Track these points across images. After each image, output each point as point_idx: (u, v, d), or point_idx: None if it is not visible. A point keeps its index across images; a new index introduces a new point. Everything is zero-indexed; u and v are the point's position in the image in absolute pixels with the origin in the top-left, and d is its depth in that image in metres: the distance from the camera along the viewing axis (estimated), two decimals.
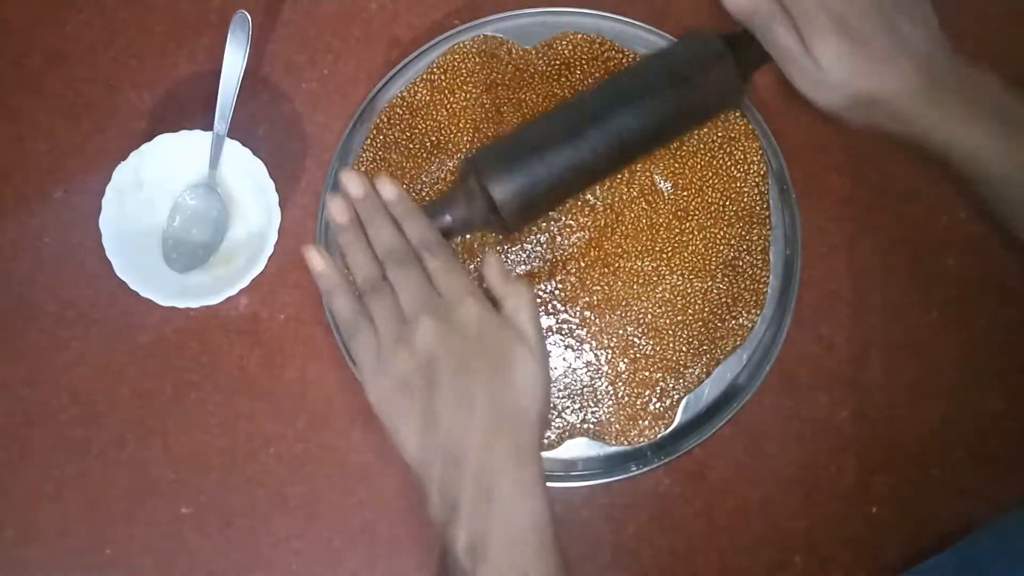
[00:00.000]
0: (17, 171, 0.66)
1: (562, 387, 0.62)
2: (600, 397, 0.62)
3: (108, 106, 0.67)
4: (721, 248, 0.63)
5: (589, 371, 0.62)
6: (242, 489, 0.62)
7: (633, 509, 0.62)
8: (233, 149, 0.62)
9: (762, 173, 0.64)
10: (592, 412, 0.62)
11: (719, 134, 0.65)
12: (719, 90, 0.56)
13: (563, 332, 0.62)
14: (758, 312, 0.63)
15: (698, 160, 0.64)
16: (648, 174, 0.64)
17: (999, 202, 0.53)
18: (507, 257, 0.63)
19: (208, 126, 0.62)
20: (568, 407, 0.62)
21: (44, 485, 0.62)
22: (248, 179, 0.63)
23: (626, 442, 0.62)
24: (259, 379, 0.63)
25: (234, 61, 0.63)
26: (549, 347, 0.62)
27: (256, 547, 0.62)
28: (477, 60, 0.65)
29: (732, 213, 0.64)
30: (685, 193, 0.64)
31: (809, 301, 0.64)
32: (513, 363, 0.48)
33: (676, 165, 0.64)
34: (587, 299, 0.63)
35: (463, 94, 0.65)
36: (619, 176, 0.64)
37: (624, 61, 0.66)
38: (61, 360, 0.64)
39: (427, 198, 0.64)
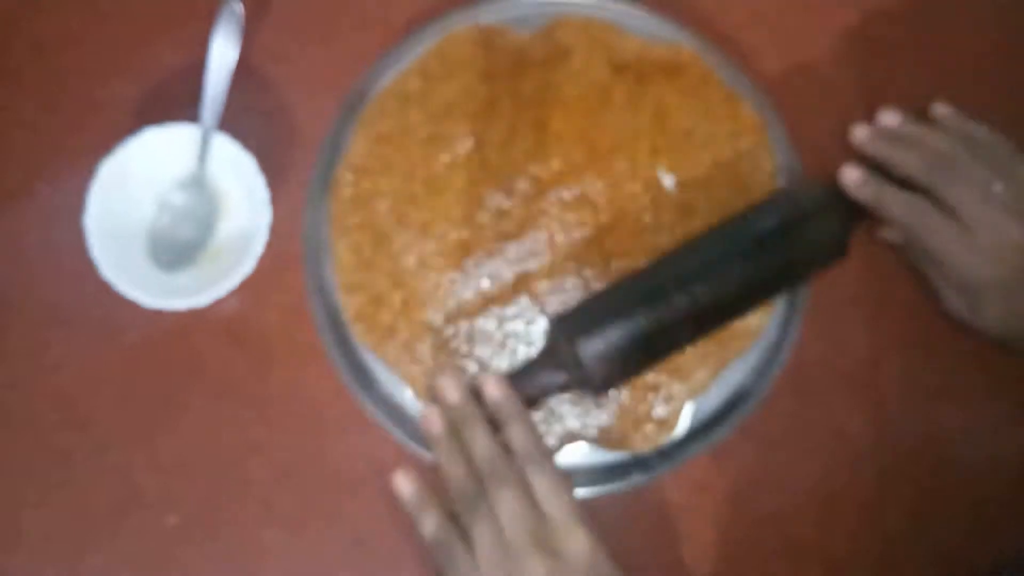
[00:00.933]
0: None
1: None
2: (602, 401, 0.60)
3: (92, 98, 0.65)
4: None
5: None
6: (231, 497, 0.60)
7: (639, 520, 0.61)
8: (222, 143, 0.61)
9: (771, 169, 0.63)
10: (594, 417, 0.60)
11: (727, 127, 0.63)
12: (819, 247, 0.56)
13: None
14: (767, 314, 0.61)
15: (705, 154, 0.63)
16: (651, 169, 0.62)
17: None
18: (507, 255, 0.61)
19: (194, 118, 0.61)
20: (569, 412, 0.60)
21: (26, 492, 0.61)
22: (238, 174, 0.61)
23: (630, 448, 0.60)
24: (248, 383, 0.62)
25: (223, 51, 0.61)
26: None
27: (245, 558, 0.60)
28: (472, 48, 0.64)
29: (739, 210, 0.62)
30: (690, 189, 0.62)
31: (822, 303, 0.62)
32: None
33: (681, 160, 0.62)
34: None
35: (457, 84, 0.63)
36: (621, 172, 0.62)
37: (626, 47, 0.64)
38: (43, 363, 0.62)
39: (419, 194, 0.62)
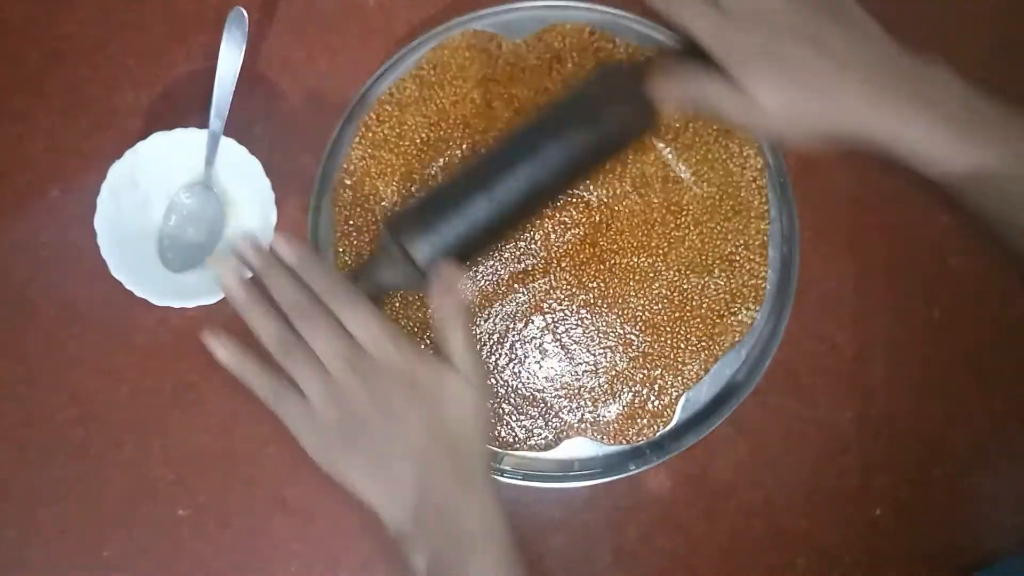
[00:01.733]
0: (15, 170, 0.66)
1: (559, 386, 0.62)
2: (597, 396, 0.61)
3: (106, 105, 0.67)
4: (718, 243, 0.63)
5: (586, 369, 0.62)
6: (241, 490, 0.62)
7: (634, 511, 0.62)
8: (229, 147, 0.62)
9: (759, 167, 0.64)
10: (589, 411, 0.61)
11: (715, 127, 0.64)
12: (630, 118, 0.55)
13: (559, 330, 0.62)
14: (757, 308, 0.62)
15: (693, 154, 0.64)
16: (641, 168, 0.63)
17: (963, 200, 0.51)
18: (501, 255, 0.63)
19: (204, 124, 0.62)
20: (565, 406, 0.61)
21: (43, 486, 0.62)
22: (244, 178, 0.62)
23: (624, 441, 0.61)
24: None
25: (230, 58, 0.63)
26: (545, 346, 0.62)
27: (255, 548, 0.62)
28: (467, 55, 0.65)
29: (729, 208, 0.63)
30: (680, 186, 0.63)
31: (811, 301, 0.64)
32: (445, 396, 0.49)
33: (670, 157, 0.64)
34: (583, 297, 0.62)
35: (453, 90, 0.65)
36: (613, 171, 0.63)
37: (615, 51, 0.65)
38: (59, 360, 0.64)
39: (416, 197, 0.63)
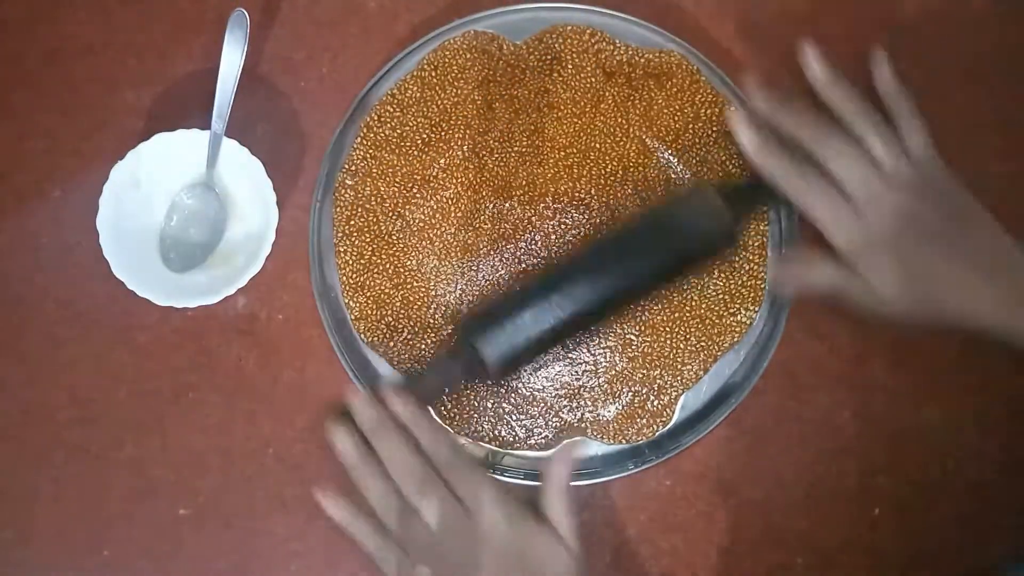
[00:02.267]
0: (15, 170, 0.66)
1: (559, 386, 0.62)
2: (597, 395, 0.62)
3: (106, 105, 0.67)
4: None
5: (586, 370, 0.62)
6: (240, 490, 0.62)
7: (634, 510, 0.62)
8: (231, 148, 0.62)
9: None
10: (589, 411, 0.62)
11: (714, 127, 0.64)
12: (710, 240, 0.58)
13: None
14: (755, 308, 0.63)
15: (693, 156, 0.64)
16: (641, 170, 0.64)
17: None
18: (504, 256, 0.63)
19: (206, 125, 0.62)
20: (565, 406, 0.62)
21: (42, 485, 0.62)
22: (246, 178, 0.63)
23: (624, 440, 0.62)
24: (257, 379, 0.63)
25: (232, 59, 0.63)
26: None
27: (255, 548, 0.62)
28: (468, 56, 0.65)
29: None
30: (680, 189, 0.63)
31: (811, 301, 0.63)
32: (546, 563, 0.50)
33: (670, 159, 0.64)
34: None
35: (454, 91, 0.65)
36: (613, 173, 0.64)
37: (616, 52, 0.65)
38: (59, 360, 0.64)
39: (418, 198, 0.64)
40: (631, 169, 0.64)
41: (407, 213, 0.64)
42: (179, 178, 0.64)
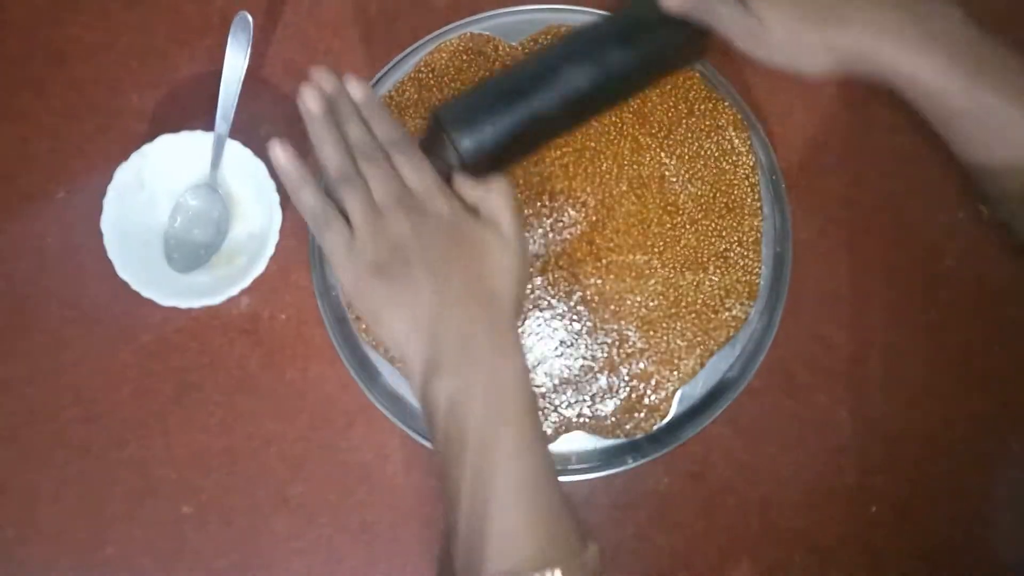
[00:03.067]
0: (20, 172, 0.67)
1: (557, 381, 0.62)
2: (595, 391, 0.62)
3: (110, 107, 0.67)
4: (712, 240, 0.63)
5: (584, 365, 0.62)
6: (243, 488, 0.62)
7: (632, 508, 0.62)
8: (234, 149, 0.63)
9: (751, 164, 0.65)
10: (587, 406, 0.62)
11: (707, 123, 0.65)
12: (681, 39, 0.55)
13: (556, 327, 0.63)
14: (751, 303, 0.63)
15: (686, 150, 0.65)
16: (636, 167, 0.64)
17: (962, 141, 0.51)
18: None
19: (210, 127, 0.63)
20: (564, 401, 0.62)
21: (45, 484, 0.63)
22: (249, 179, 0.63)
23: (622, 435, 0.62)
24: (260, 379, 0.64)
25: (235, 62, 0.63)
26: (543, 342, 0.63)
27: (257, 546, 0.62)
28: (464, 58, 0.66)
29: (722, 205, 0.64)
30: (673, 186, 0.64)
31: (808, 300, 0.64)
32: (487, 252, 0.49)
33: (664, 157, 0.64)
34: (580, 294, 0.63)
35: (451, 92, 0.65)
36: (608, 171, 0.64)
37: None
38: (63, 360, 0.64)
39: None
40: (626, 167, 0.64)
41: None
42: (183, 179, 0.64)
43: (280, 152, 0.51)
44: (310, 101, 0.51)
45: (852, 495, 0.62)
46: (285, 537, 0.62)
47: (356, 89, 0.53)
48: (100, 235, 0.61)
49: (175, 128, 0.63)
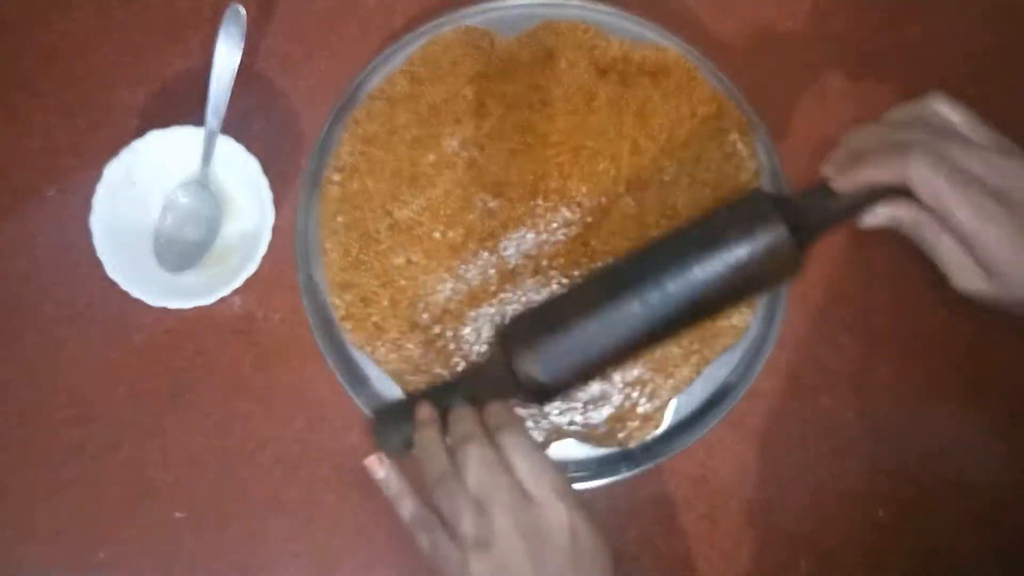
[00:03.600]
0: (10, 170, 0.66)
1: None
2: (587, 398, 0.61)
3: (102, 103, 0.67)
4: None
5: None
6: (238, 491, 0.62)
7: (635, 513, 0.62)
8: (226, 145, 0.62)
9: (755, 169, 0.63)
10: (580, 414, 0.61)
11: (710, 126, 0.63)
12: (770, 258, 0.50)
13: None
14: (750, 312, 0.62)
15: (687, 153, 0.63)
16: (634, 169, 0.63)
17: None
18: (494, 255, 0.62)
19: (201, 122, 0.62)
20: (555, 408, 0.61)
21: (39, 486, 0.62)
22: (242, 176, 0.62)
23: (615, 444, 0.61)
24: (255, 380, 0.63)
25: (227, 56, 0.62)
26: None
27: (253, 549, 0.61)
28: (459, 51, 0.64)
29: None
30: (673, 189, 0.63)
31: (815, 302, 0.63)
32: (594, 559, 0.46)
33: (664, 159, 0.63)
34: None
35: (444, 86, 0.64)
36: (605, 171, 0.63)
37: (609, 49, 0.64)
38: (57, 360, 0.63)
39: (406, 195, 0.63)
40: (623, 168, 0.63)
41: (395, 210, 0.63)
42: (174, 176, 0.63)
43: (376, 465, 0.51)
44: (421, 410, 0.51)
45: (858, 498, 0.62)
46: (281, 540, 0.61)
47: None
48: (91, 234, 0.60)
49: (166, 124, 0.62)
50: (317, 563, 0.61)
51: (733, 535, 0.61)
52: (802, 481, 0.62)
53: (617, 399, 0.61)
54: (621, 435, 0.61)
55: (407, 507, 0.49)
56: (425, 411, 0.51)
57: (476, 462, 0.47)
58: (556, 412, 0.61)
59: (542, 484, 0.46)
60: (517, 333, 0.52)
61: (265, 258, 0.60)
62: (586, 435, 0.61)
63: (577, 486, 0.60)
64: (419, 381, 0.61)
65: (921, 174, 0.47)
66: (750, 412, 0.62)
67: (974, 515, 0.61)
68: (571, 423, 0.61)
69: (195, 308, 0.60)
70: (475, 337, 0.62)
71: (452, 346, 0.61)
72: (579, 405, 0.61)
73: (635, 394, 0.61)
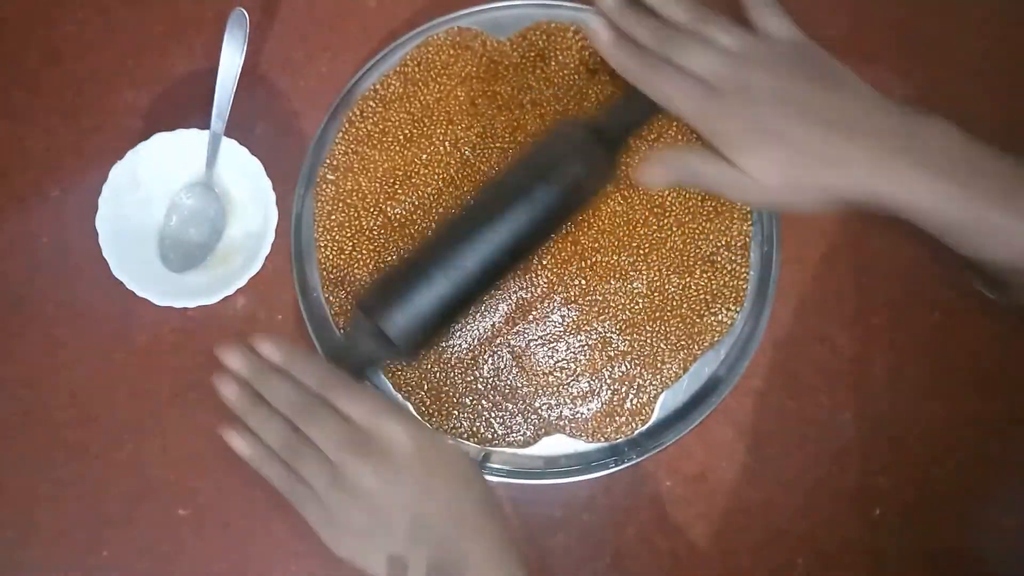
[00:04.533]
0: (14, 170, 0.66)
1: (538, 383, 0.62)
2: (576, 393, 0.62)
3: (105, 105, 0.67)
4: (700, 244, 0.63)
5: (565, 367, 0.62)
6: (240, 490, 0.62)
7: (633, 511, 0.62)
8: (230, 148, 0.62)
9: None
10: (568, 408, 0.62)
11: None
12: (590, 175, 0.57)
13: (538, 327, 0.62)
14: (737, 308, 0.62)
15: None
16: (624, 168, 0.63)
17: (959, 245, 0.51)
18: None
19: (205, 125, 0.62)
20: (544, 403, 0.62)
21: (42, 486, 0.62)
22: (245, 178, 0.63)
23: (602, 439, 0.61)
24: None
25: (231, 59, 0.63)
26: (525, 342, 0.62)
27: (255, 549, 0.62)
28: (451, 52, 0.65)
29: (711, 208, 0.63)
30: (662, 187, 0.63)
31: (813, 301, 0.64)
32: (452, 468, 0.50)
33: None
34: (564, 294, 0.62)
35: (437, 87, 0.65)
36: None
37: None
38: (59, 360, 0.64)
39: (399, 194, 0.63)
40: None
41: (388, 208, 0.63)
42: (178, 178, 0.64)
43: (235, 440, 0.52)
44: (225, 391, 0.52)
45: (855, 497, 0.62)
46: (283, 539, 0.62)
47: (267, 350, 0.52)
48: (95, 234, 0.60)
49: (170, 126, 0.62)
50: (319, 563, 0.61)
51: (731, 534, 0.62)
52: (800, 480, 0.62)
53: (605, 394, 0.61)
54: (609, 429, 0.61)
55: (272, 472, 0.51)
56: (233, 391, 0.52)
57: (324, 429, 0.49)
58: (545, 408, 0.61)
59: (379, 419, 0.49)
60: (378, 300, 0.55)
61: (268, 258, 0.61)
62: (575, 430, 0.62)
63: (568, 480, 0.61)
64: (411, 378, 0.62)
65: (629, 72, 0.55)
66: (748, 411, 0.62)
67: (972, 515, 0.62)
68: (560, 418, 0.61)
69: (197, 308, 0.61)
70: (465, 332, 0.62)
71: (443, 343, 0.62)
72: (568, 400, 0.62)
73: (623, 389, 0.62)
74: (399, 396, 0.62)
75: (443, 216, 0.62)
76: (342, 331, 0.61)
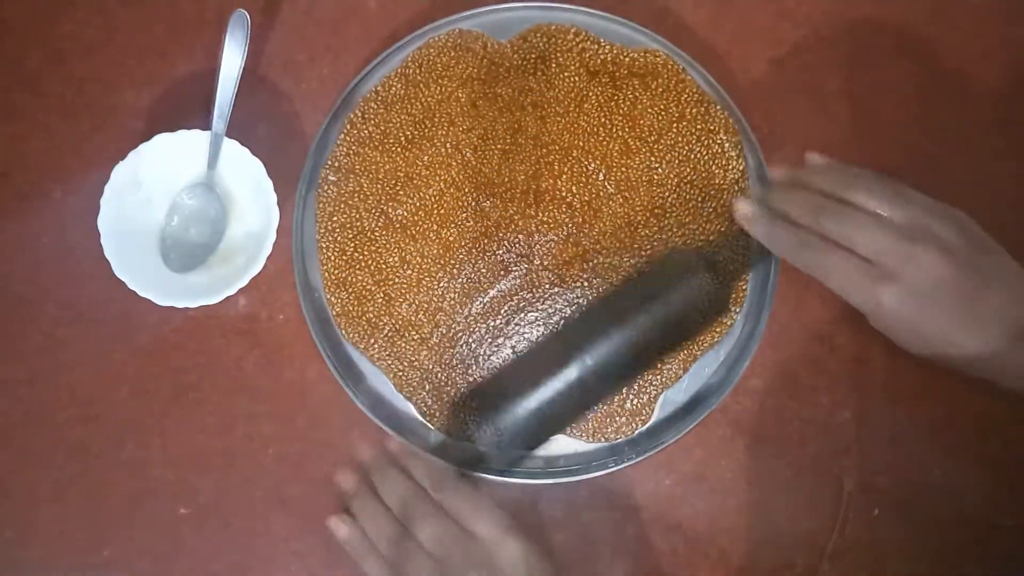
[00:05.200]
0: (16, 171, 0.66)
1: None
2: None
3: (106, 105, 0.67)
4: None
5: None
6: (241, 490, 0.62)
7: (633, 510, 0.62)
8: (232, 148, 0.62)
9: (741, 169, 0.64)
10: None
11: (698, 127, 0.64)
12: (701, 304, 0.57)
13: (539, 328, 0.62)
14: (737, 309, 0.62)
15: (676, 154, 0.64)
16: (624, 170, 0.63)
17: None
18: (486, 254, 0.63)
19: (206, 125, 0.62)
20: None
21: (43, 485, 0.62)
22: (247, 178, 0.63)
23: (603, 439, 0.62)
24: (258, 379, 0.63)
25: (232, 60, 0.63)
26: (526, 343, 0.62)
27: (255, 548, 0.62)
28: (452, 54, 0.65)
29: (711, 210, 0.63)
30: (662, 189, 0.63)
31: (811, 301, 0.64)
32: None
33: (653, 160, 0.64)
34: (565, 296, 0.62)
35: (438, 88, 0.65)
36: (595, 172, 0.63)
37: (600, 52, 0.65)
38: (60, 360, 0.64)
39: (401, 195, 0.64)
40: (613, 168, 0.64)
41: (390, 210, 0.64)
42: (180, 178, 0.64)
43: (339, 526, 0.54)
44: (344, 481, 0.55)
45: (855, 497, 0.62)
46: (283, 538, 0.62)
47: (396, 449, 0.56)
48: (97, 235, 0.60)
49: (172, 127, 0.62)
50: (319, 562, 0.61)
51: (730, 533, 0.62)
52: (799, 480, 0.62)
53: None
54: (609, 430, 0.62)
55: (372, 567, 0.53)
56: (349, 481, 0.56)
57: (424, 519, 0.51)
58: None
59: (489, 525, 0.51)
60: (485, 404, 0.57)
61: (269, 259, 0.61)
62: (575, 430, 0.62)
63: (568, 480, 0.61)
64: (413, 378, 0.62)
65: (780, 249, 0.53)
66: (748, 411, 0.62)
67: (971, 514, 0.62)
68: None
69: (199, 308, 0.61)
70: (467, 331, 0.62)
71: (445, 343, 0.62)
72: None
73: (623, 389, 0.62)
74: (401, 396, 0.62)
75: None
76: (444, 429, 0.62)
